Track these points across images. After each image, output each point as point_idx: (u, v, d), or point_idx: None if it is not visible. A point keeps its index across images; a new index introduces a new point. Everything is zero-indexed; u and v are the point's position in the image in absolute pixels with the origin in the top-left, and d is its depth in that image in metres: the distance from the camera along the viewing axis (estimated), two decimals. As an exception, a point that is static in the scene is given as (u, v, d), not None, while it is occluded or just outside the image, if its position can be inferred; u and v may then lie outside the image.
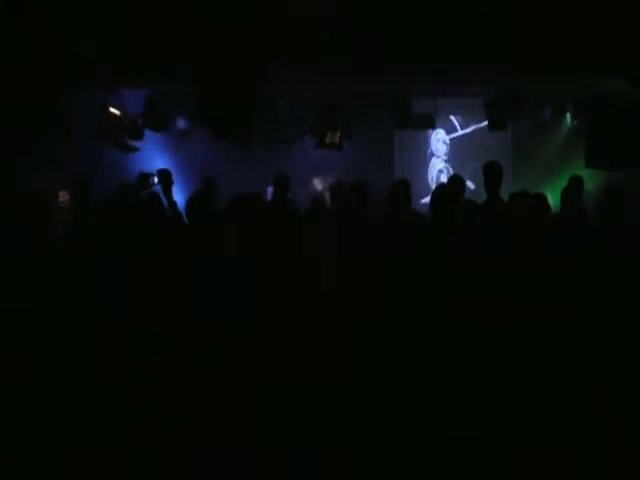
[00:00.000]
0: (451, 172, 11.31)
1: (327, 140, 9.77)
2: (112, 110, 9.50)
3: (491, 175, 6.87)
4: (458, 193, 6.62)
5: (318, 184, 10.93)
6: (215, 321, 4.36)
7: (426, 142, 11.50)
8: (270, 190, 9.98)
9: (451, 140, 11.51)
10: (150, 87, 9.26)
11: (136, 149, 9.65)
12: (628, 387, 4.10)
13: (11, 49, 6.75)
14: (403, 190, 6.80)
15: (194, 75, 7.86)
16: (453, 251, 4.79)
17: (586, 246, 5.09)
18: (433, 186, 10.43)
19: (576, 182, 7.04)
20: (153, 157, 9.85)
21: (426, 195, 9.43)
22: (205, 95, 8.14)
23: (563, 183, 7.33)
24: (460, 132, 11.37)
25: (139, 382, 4.21)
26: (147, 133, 9.80)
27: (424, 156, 11.57)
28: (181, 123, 9.93)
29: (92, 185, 6.33)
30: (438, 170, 11.60)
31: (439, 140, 11.44)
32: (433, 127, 10.34)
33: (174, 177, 6.25)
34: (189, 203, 5.38)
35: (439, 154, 11.59)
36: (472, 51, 7.18)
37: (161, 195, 5.99)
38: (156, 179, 6.04)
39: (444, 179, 10.95)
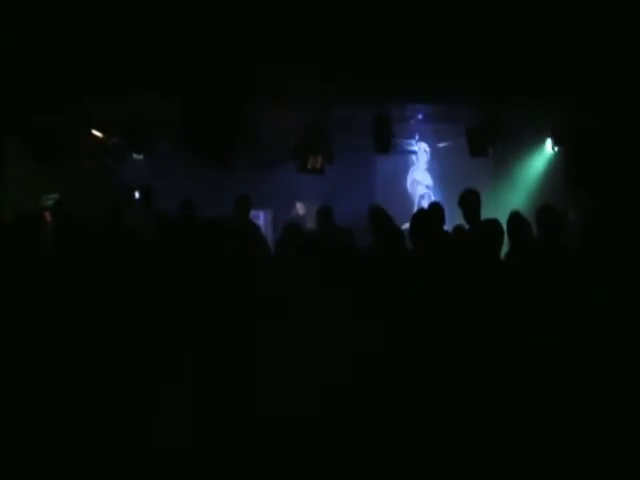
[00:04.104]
0: (432, 198, 11.35)
1: (309, 165, 9.79)
2: (94, 132, 9.49)
3: (469, 205, 6.87)
4: (438, 220, 6.65)
5: (301, 209, 10.94)
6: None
7: (408, 167, 11.53)
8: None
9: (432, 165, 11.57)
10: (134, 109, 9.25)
11: (117, 171, 9.64)
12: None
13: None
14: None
15: (179, 98, 7.88)
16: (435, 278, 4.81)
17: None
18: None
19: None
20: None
21: (407, 221, 9.43)
22: (189, 118, 8.16)
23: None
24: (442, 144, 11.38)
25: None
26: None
27: (405, 181, 11.61)
28: (164, 146, 9.93)
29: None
30: (420, 196, 11.63)
31: (420, 149, 11.40)
32: (414, 152, 10.41)
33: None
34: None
35: (420, 163, 11.59)
36: (455, 77, 7.26)
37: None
38: (137, 194, 6.06)
39: (425, 205, 10.97)
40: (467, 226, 6.76)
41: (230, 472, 4.10)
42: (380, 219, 6.74)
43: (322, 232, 6.76)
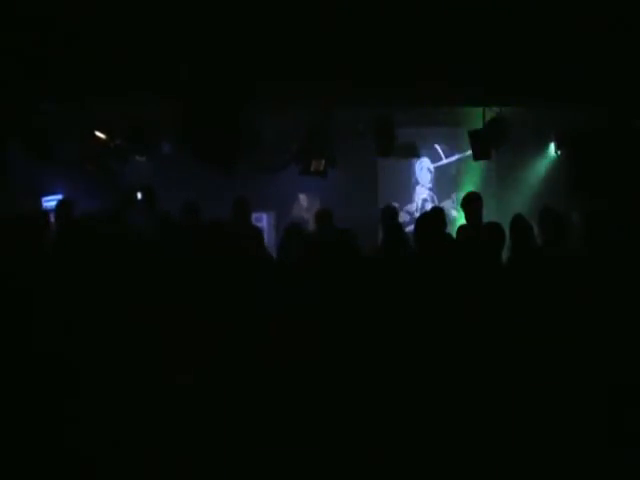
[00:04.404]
0: (436, 201, 11.35)
1: (312, 168, 9.79)
2: (98, 134, 9.48)
3: (470, 207, 6.86)
4: (440, 223, 6.64)
5: (304, 201, 10.95)
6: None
7: (410, 170, 11.53)
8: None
9: (435, 168, 11.55)
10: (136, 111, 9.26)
11: (119, 173, 9.62)
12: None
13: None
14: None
15: (181, 101, 7.88)
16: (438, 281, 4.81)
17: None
18: (417, 215, 10.45)
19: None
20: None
21: (410, 224, 9.46)
22: (191, 120, 8.16)
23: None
24: (445, 161, 11.40)
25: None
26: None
27: (408, 184, 11.60)
28: (166, 147, 9.92)
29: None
30: (423, 199, 11.61)
31: (423, 168, 11.46)
32: (417, 156, 10.38)
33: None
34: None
35: (423, 182, 11.61)
36: (456, 78, 7.24)
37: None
38: (139, 195, 6.07)
39: (429, 208, 10.96)
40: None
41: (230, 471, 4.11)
42: (389, 220, 6.79)
43: (321, 235, 6.74)
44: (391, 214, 7.17)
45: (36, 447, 4.09)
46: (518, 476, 4.14)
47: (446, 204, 11.27)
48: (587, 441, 4.08)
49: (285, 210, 10.95)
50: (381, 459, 4.15)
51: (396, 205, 10.56)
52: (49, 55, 6.90)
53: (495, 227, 5.61)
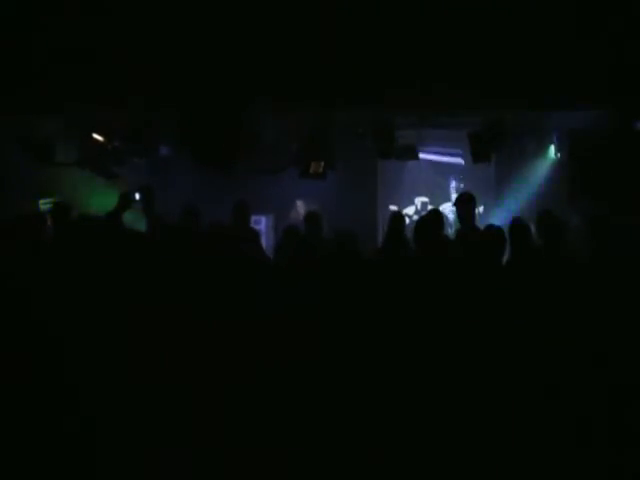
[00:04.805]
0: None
1: (311, 170, 9.78)
2: (95, 136, 9.45)
3: (463, 207, 6.88)
4: (439, 226, 6.65)
5: (301, 207, 10.93)
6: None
7: (410, 173, 11.50)
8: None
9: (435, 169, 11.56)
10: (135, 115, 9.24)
11: (117, 175, 9.58)
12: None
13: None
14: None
15: (179, 104, 7.88)
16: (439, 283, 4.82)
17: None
18: (416, 218, 10.45)
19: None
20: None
21: (409, 226, 9.41)
22: (189, 123, 8.15)
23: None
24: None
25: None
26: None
27: (408, 187, 11.58)
28: (164, 150, 9.90)
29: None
30: (422, 202, 11.60)
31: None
32: (416, 158, 10.35)
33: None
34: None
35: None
36: (457, 82, 7.24)
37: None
38: (137, 195, 6.05)
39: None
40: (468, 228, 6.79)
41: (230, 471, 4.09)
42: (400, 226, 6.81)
43: (311, 237, 6.73)
44: (401, 220, 7.17)
45: (35, 445, 4.08)
46: (518, 477, 4.14)
47: (445, 207, 11.27)
48: (587, 442, 4.08)
49: (284, 213, 10.93)
50: (381, 459, 4.14)
51: (395, 208, 10.65)
52: (49, 55, 6.90)
53: (496, 231, 5.61)
